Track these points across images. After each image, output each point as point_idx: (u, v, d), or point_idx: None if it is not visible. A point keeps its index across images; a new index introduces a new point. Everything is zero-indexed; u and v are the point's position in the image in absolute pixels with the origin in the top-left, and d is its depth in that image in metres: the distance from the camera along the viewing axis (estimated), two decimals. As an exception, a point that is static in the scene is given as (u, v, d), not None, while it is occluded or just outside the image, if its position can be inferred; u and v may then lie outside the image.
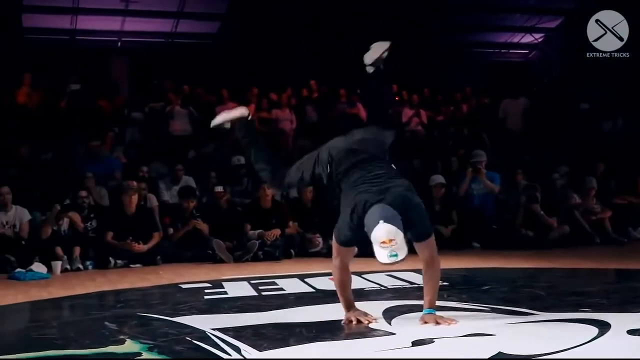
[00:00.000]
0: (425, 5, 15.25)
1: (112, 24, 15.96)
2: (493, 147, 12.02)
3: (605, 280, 6.94)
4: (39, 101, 11.86)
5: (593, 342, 3.91)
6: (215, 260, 8.73)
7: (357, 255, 8.45)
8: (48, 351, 4.11)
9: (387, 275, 6.96)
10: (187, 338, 4.33)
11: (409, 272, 6.98)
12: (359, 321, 4.58)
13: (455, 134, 12.77)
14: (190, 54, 15.74)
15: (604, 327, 4.20)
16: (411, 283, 6.45)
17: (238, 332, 4.43)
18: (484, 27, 17.73)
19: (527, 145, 12.49)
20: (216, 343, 4.17)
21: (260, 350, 3.97)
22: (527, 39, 18.21)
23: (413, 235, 4.36)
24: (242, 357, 3.86)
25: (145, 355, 3.97)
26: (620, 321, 4.35)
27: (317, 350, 4.00)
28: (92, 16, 15.64)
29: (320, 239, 9.20)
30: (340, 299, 4.77)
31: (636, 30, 10.67)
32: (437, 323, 4.45)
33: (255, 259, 8.86)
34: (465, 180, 10.32)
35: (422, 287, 6.08)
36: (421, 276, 6.49)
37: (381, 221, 4.04)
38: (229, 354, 3.92)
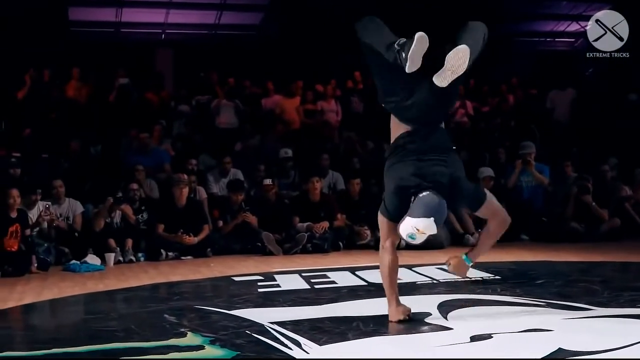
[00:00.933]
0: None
1: (156, 16, 16.07)
2: (541, 138, 11.90)
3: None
4: (88, 95, 12.02)
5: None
6: (265, 252, 8.78)
7: (405, 248, 8.57)
8: (112, 343, 4.19)
9: (437, 268, 6.97)
10: (247, 331, 4.39)
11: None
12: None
13: (501, 126, 12.67)
14: (234, 46, 15.79)
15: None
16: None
17: (296, 326, 4.47)
18: (529, 16, 17.52)
19: (575, 137, 12.35)
20: (276, 337, 4.22)
21: (320, 345, 4.01)
22: (574, 27, 17.96)
23: (468, 207, 4.48)
24: (304, 352, 3.91)
25: (207, 348, 4.04)
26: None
27: (377, 345, 4.04)
28: (136, 8, 15.79)
29: (368, 232, 9.21)
30: (390, 288, 4.58)
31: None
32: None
33: (304, 251, 8.90)
34: (515, 172, 10.23)
35: (474, 281, 6.12)
36: (472, 270, 6.54)
37: (432, 219, 4.14)
38: (290, 348, 3.97)
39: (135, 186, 9.08)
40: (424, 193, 4.21)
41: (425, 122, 4.45)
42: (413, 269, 6.85)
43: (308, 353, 3.88)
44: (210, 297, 5.93)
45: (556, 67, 16.15)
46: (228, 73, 13.16)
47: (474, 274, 6.28)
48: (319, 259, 8.36)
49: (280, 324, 4.54)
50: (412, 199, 4.25)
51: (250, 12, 16.65)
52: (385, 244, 4.57)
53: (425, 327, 4.41)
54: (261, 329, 4.45)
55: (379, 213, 4.55)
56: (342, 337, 4.17)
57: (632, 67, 12.88)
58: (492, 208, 4.55)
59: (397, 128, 4.51)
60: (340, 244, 9.18)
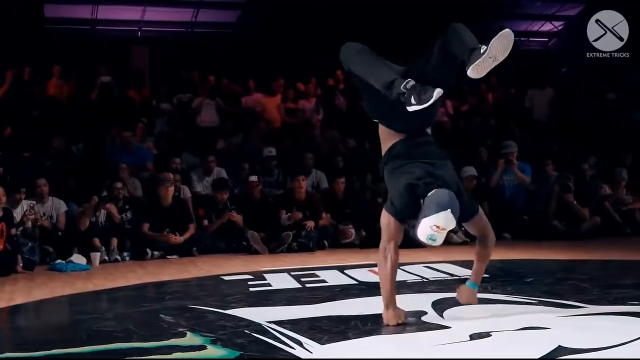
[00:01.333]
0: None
1: (132, 13, 16.00)
2: (521, 138, 11.99)
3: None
4: (69, 93, 11.92)
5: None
6: (250, 251, 8.78)
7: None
8: (113, 344, 4.19)
9: (425, 266, 7.03)
10: (246, 331, 4.40)
11: (447, 264, 7.07)
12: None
13: (481, 125, 12.75)
14: (211, 44, 15.73)
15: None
16: (451, 275, 6.52)
17: (294, 325, 4.49)
18: (504, 15, 17.65)
19: (555, 136, 12.47)
20: (276, 336, 4.24)
21: (321, 344, 4.03)
22: (547, 27, 18.16)
23: (461, 216, 4.33)
24: (309, 352, 3.93)
25: (210, 348, 4.05)
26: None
27: (379, 344, 4.08)
28: (112, 6, 15.69)
29: (352, 230, 9.27)
30: (390, 291, 4.43)
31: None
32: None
33: (290, 250, 8.92)
34: (497, 171, 10.31)
35: (464, 280, 6.18)
36: (460, 268, 6.64)
37: (449, 210, 4.06)
38: (292, 347, 3.99)
39: (119, 185, 9.03)
40: (432, 191, 4.17)
41: (417, 130, 4.56)
42: (402, 267, 6.86)
43: (312, 353, 3.90)
44: (202, 297, 5.90)
45: (532, 67, 16.29)
46: (205, 71, 13.10)
47: (463, 273, 6.36)
48: (306, 258, 8.38)
49: (278, 323, 4.55)
50: (422, 201, 4.19)
51: (226, 9, 16.62)
52: (389, 244, 4.41)
53: (424, 326, 4.44)
54: (260, 328, 4.47)
55: (383, 213, 4.46)
56: (343, 336, 4.20)
57: (614, 67, 12.98)
58: (483, 223, 4.60)
59: (390, 137, 4.56)
60: (326, 242, 9.22)
